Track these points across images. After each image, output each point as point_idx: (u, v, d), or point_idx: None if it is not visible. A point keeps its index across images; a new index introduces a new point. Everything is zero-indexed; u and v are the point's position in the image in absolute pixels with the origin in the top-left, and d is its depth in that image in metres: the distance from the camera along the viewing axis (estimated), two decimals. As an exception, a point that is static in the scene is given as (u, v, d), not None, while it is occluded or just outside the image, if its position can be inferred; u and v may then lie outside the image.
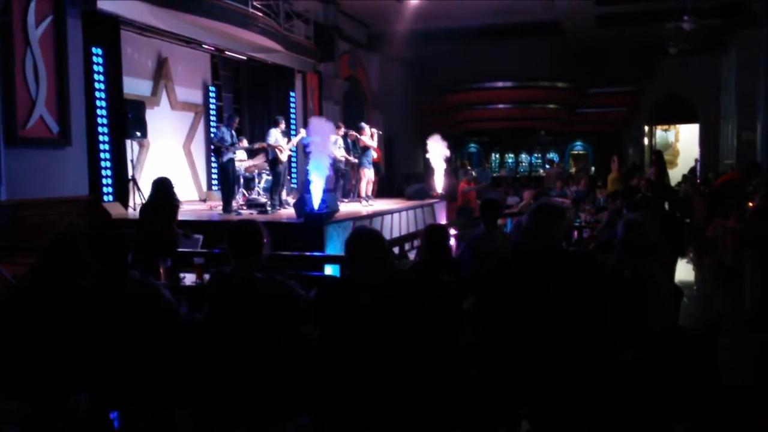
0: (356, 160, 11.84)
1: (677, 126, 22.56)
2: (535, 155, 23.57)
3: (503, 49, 18.63)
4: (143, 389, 2.90)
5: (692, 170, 19.35)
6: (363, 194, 11.83)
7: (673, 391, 3.11)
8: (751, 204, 9.49)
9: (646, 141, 22.11)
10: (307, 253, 7.38)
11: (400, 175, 19.86)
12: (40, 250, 3.35)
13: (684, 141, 22.48)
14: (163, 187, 6.48)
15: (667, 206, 9.55)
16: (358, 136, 11.76)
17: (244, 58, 12.91)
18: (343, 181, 11.86)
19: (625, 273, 3.20)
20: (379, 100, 18.29)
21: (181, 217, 9.31)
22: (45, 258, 3.26)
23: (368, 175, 11.88)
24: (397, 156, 20.33)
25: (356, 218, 9.35)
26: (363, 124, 11.93)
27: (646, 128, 22.04)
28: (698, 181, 17.08)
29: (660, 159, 11.65)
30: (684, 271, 9.18)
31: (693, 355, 3.96)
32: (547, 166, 19.96)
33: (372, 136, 11.89)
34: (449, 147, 13.98)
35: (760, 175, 11.23)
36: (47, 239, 3.39)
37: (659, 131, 22.71)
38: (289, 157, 12.13)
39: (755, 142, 15.28)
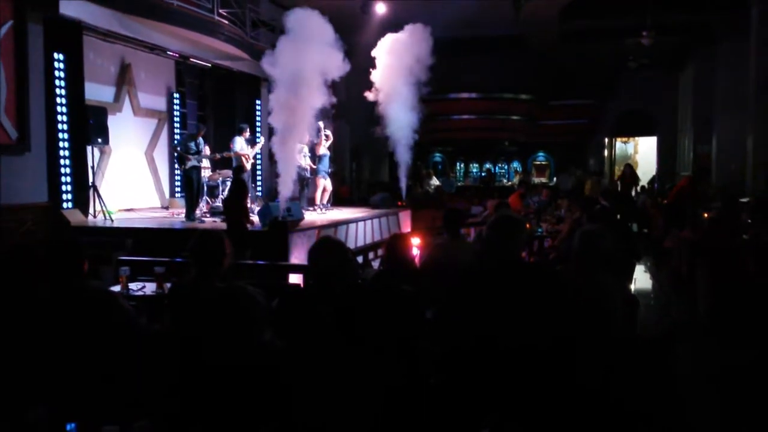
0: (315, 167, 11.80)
1: (636, 138, 23.11)
2: (499, 165, 23.89)
3: (468, 61, 18.87)
4: (102, 401, 2.87)
5: (652, 181, 19.80)
6: (318, 203, 11.80)
7: (629, 400, 3.19)
8: (706, 215, 9.77)
9: (606, 152, 22.59)
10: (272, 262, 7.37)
11: (366, 184, 19.91)
12: (-3, 260, 3.29)
13: (642, 153, 23.03)
14: (235, 187, 8.36)
15: (621, 216, 9.78)
16: (315, 143, 11.68)
17: (209, 65, 12.83)
18: (307, 189, 11.83)
19: (581, 283, 3.29)
20: (345, 109, 18.31)
21: (141, 224, 9.29)
22: (1, 268, 3.20)
23: (323, 183, 11.84)
24: (363, 165, 20.39)
25: (320, 227, 9.35)
26: (320, 134, 11.84)
27: (607, 140, 22.53)
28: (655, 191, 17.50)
29: (631, 170, 11.81)
30: (642, 281, 9.39)
31: (648, 363, 4.06)
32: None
33: (327, 138, 11.89)
34: (414, 156, 14.03)
35: (708, 180, 11.57)
36: (3, 248, 3.34)
37: (619, 143, 23.24)
38: (253, 165, 12.07)
39: (710, 156, 15.75)
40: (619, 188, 15.89)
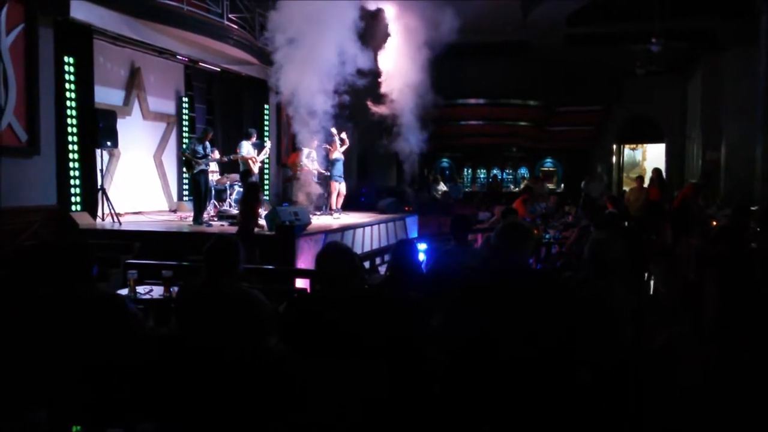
0: (328, 173, 11.85)
1: (644, 145, 23.01)
2: (507, 171, 23.86)
3: (476, 67, 18.87)
4: (106, 404, 2.87)
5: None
6: (333, 207, 11.82)
7: (635, 407, 3.18)
8: (714, 223, 9.72)
9: (614, 159, 22.50)
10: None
11: (374, 189, 19.90)
12: (3, 262, 3.31)
13: (651, 160, 22.89)
14: (248, 190, 8.69)
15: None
16: (329, 147, 11.75)
17: (218, 69, 12.88)
18: (314, 194, 11.84)
19: (590, 291, 3.28)
20: (353, 114, 18.33)
21: (149, 228, 9.33)
22: (7, 270, 3.22)
23: (338, 188, 11.86)
24: (371, 170, 20.39)
25: (328, 231, 9.36)
26: (333, 138, 11.89)
27: (615, 147, 22.44)
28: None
29: (660, 177, 11.67)
30: (650, 288, 9.34)
31: (654, 371, 4.04)
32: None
33: (343, 143, 11.93)
34: (422, 161, 14.05)
35: (712, 186, 11.45)
36: (12, 250, 3.36)
37: (627, 150, 23.13)
38: (261, 169, 12.10)
39: (719, 162, 15.66)
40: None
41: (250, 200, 8.33)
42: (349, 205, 13.18)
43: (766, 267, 6.43)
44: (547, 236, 9.56)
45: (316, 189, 11.70)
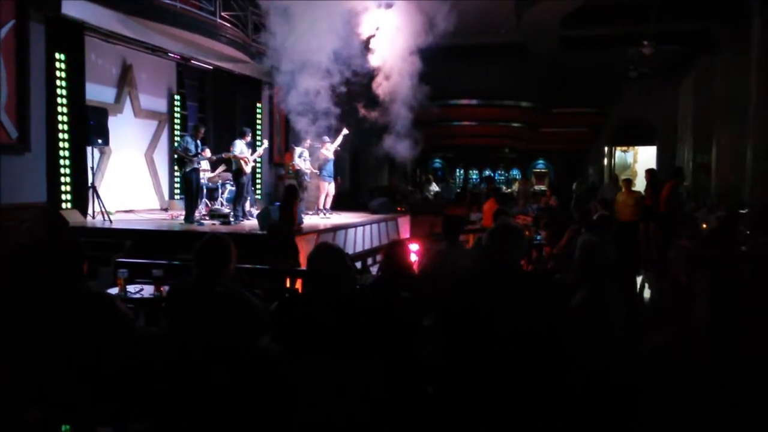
0: (318, 172, 11.82)
1: (636, 147, 23.11)
2: (499, 172, 23.91)
3: (469, 67, 18.90)
4: (98, 403, 2.86)
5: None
6: (321, 207, 11.81)
7: (626, 408, 3.18)
8: (705, 226, 9.77)
9: (605, 161, 22.58)
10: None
11: (365, 189, 19.91)
12: (-6, 260, 3.28)
13: (642, 162, 23.02)
14: (285, 193, 8.65)
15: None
16: (317, 147, 11.72)
17: (211, 67, 12.84)
18: (306, 193, 11.83)
19: (580, 293, 3.28)
20: (346, 113, 18.31)
21: (140, 226, 9.28)
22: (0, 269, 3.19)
23: (327, 188, 11.85)
24: (363, 170, 20.39)
25: (320, 231, 9.34)
26: (325, 137, 11.87)
27: (606, 149, 22.52)
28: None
29: (654, 178, 11.70)
30: (642, 291, 9.37)
31: (646, 373, 4.06)
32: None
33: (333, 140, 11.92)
34: (414, 162, 14.06)
35: (683, 179, 11.43)
36: (2, 248, 3.33)
37: (618, 152, 23.23)
38: (253, 168, 12.06)
39: (710, 165, 15.75)
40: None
41: (290, 203, 8.29)
42: (349, 205, 13.13)
43: (755, 269, 6.47)
44: (538, 238, 9.56)
45: (311, 188, 11.68)
